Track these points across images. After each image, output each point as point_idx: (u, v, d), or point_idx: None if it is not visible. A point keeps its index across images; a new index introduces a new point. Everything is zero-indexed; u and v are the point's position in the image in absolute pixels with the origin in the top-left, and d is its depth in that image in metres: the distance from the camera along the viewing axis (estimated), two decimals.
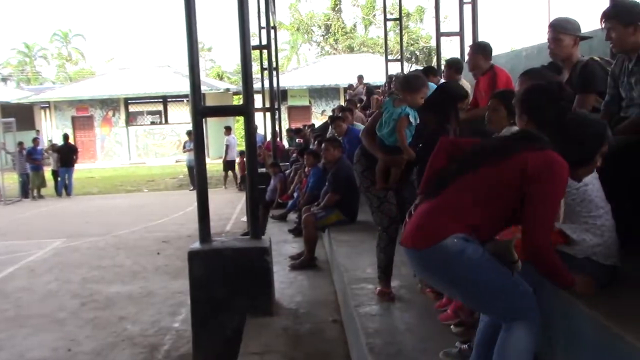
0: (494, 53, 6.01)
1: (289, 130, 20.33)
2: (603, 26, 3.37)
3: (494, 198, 2.41)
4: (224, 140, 20.16)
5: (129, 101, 32.11)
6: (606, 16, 3.34)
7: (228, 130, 20.21)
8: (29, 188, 19.65)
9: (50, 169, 20.32)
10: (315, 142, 9.97)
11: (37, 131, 21.15)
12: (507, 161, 2.40)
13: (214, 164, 23.20)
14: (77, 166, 21.09)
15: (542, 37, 4.27)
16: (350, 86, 17.70)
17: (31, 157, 19.44)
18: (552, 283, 2.49)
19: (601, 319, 2.33)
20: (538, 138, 2.44)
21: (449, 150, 2.76)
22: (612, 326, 2.25)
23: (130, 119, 32.54)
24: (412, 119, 4.09)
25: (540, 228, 2.35)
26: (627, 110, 3.41)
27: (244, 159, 13.74)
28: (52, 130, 32.07)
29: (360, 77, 17.48)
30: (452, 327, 3.49)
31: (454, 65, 7.11)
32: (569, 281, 2.43)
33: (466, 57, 7.05)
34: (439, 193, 2.48)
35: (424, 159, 3.29)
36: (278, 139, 16.14)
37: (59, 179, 19.98)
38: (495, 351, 2.43)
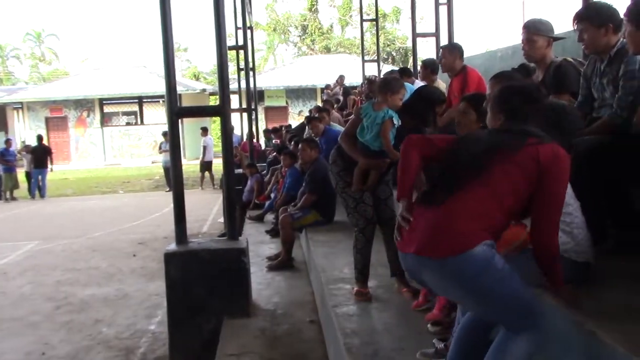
0: (469, 54, 6.08)
1: (265, 131, 20.28)
2: (575, 27, 3.41)
3: (512, 195, 2.31)
4: (201, 141, 20.05)
5: (104, 102, 31.79)
6: (578, 18, 3.38)
7: (205, 131, 20.11)
8: (1, 190, 19.35)
9: (23, 171, 20.02)
10: (292, 143, 9.96)
11: (8, 140, 20.71)
12: (522, 155, 2.31)
13: (190, 165, 23.08)
14: (52, 167, 20.80)
15: (516, 38, 4.32)
16: (328, 86, 17.70)
17: (4, 159, 19.12)
18: (546, 279, 2.43)
19: (574, 315, 2.36)
20: (536, 132, 2.40)
21: (421, 148, 2.58)
22: (585, 323, 2.28)
23: (105, 119, 32.22)
24: (395, 122, 4.10)
25: (553, 220, 2.33)
26: (599, 110, 3.46)
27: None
28: (25, 131, 31.62)
29: (342, 77, 17.47)
30: (429, 326, 3.51)
31: (430, 66, 7.17)
32: (560, 281, 2.41)
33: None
34: (448, 197, 2.32)
35: None
36: (255, 140, 16.10)
37: (32, 180, 19.70)
38: (492, 352, 2.35)
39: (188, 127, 26.11)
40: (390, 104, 4.11)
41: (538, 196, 2.30)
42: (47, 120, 31.64)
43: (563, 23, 4.77)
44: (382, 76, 9.52)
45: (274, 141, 16.20)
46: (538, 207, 2.32)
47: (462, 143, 2.51)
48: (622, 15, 3.27)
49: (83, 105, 31.63)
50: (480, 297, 2.28)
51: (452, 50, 6.05)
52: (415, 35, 10.96)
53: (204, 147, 19.69)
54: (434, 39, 10.37)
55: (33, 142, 21.22)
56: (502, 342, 2.32)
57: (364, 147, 4.22)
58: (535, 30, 3.97)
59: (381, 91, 4.18)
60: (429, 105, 4.20)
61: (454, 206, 2.29)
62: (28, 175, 19.87)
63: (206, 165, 19.94)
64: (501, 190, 2.29)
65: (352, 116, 4.46)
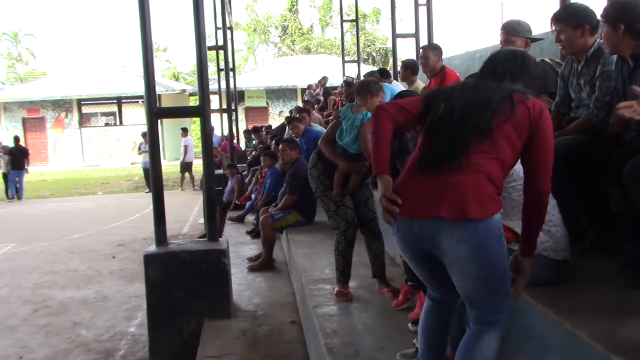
0: (449, 55, 6.14)
1: (246, 132, 20.24)
2: (553, 28, 3.45)
3: (512, 156, 2.33)
4: (181, 142, 19.95)
5: (82, 102, 31.47)
6: (556, 19, 3.42)
7: (185, 131, 20.02)
8: None
9: (0, 172, 19.75)
10: (273, 142, 9.95)
11: None
12: (517, 112, 2.30)
13: (170, 166, 22.93)
14: (28, 169, 20.54)
15: (495, 39, 4.36)
16: (310, 86, 17.71)
17: None
18: (524, 240, 2.42)
19: (552, 314, 2.38)
20: (520, 88, 2.39)
21: (393, 115, 2.46)
22: (564, 322, 2.30)
23: (84, 120, 31.90)
24: None
25: (549, 173, 2.32)
26: (576, 110, 3.50)
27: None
28: (1, 132, 31.17)
29: (325, 79, 17.46)
30: (409, 325, 3.53)
31: (410, 67, 7.21)
32: (534, 246, 2.42)
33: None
34: (462, 160, 2.29)
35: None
36: (235, 141, 16.06)
37: (10, 182, 19.43)
38: (461, 353, 2.37)
39: (168, 127, 25.95)
40: (369, 106, 4.11)
41: (532, 150, 2.32)
42: (24, 121, 31.24)
43: (541, 24, 4.83)
44: (362, 77, 9.53)
45: (254, 142, 16.18)
46: (533, 160, 2.33)
47: (456, 103, 2.40)
48: (598, 17, 3.31)
49: (61, 105, 31.28)
50: (487, 265, 2.26)
51: (436, 51, 6.11)
52: (395, 36, 11.01)
53: (185, 147, 19.59)
54: (413, 39, 10.44)
55: (10, 143, 20.94)
56: (473, 342, 2.35)
57: (343, 151, 4.23)
58: (513, 31, 4.01)
59: (360, 94, 4.19)
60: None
61: (474, 168, 2.27)
62: (5, 176, 19.60)
63: (186, 166, 19.83)
64: (504, 152, 2.30)
65: (333, 119, 4.48)
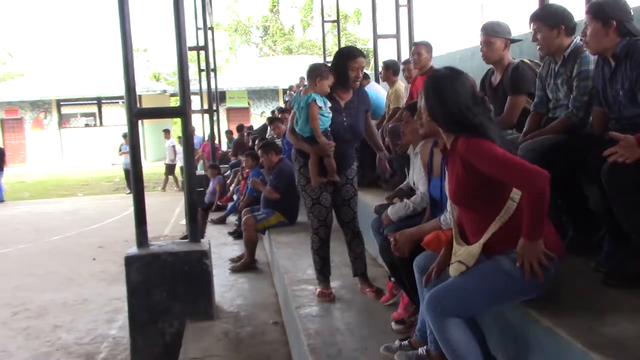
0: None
1: (227, 132, 20.19)
2: (530, 27, 3.49)
3: None
4: (166, 144, 19.94)
5: (62, 103, 31.11)
6: (533, 17, 3.47)
7: (167, 133, 20.00)
8: None
9: None
10: (255, 143, 9.92)
11: None
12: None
13: (151, 167, 22.80)
14: (6, 170, 20.28)
15: (475, 40, 4.39)
16: (291, 87, 17.71)
17: None
18: (534, 230, 2.36)
19: (532, 313, 2.41)
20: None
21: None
22: (543, 320, 2.33)
23: (63, 121, 31.55)
24: (320, 104, 4.12)
25: (528, 175, 2.32)
26: (554, 111, 3.54)
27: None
28: None
29: (302, 79, 17.46)
30: (392, 324, 3.54)
31: (391, 67, 7.24)
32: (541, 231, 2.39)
33: (403, 57, 7.18)
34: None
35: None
36: (216, 142, 16.01)
37: None
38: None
39: (149, 128, 25.78)
40: (319, 89, 4.14)
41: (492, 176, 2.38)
42: (2, 121, 30.81)
43: (521, 25, 4.87)
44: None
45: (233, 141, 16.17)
46: (503, 180, 2.40)
47: None
48: (577, 18, 3.35)
49: (40, 106, 30.90)
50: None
51: (428, 48, 6.14)
52: (376, 36, 11.06)
53: (173, 148, 19.53)
54: (394, 40, 10.48)
55: None
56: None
57: (301, 137, 4.24)
58: (493, 32, 4.04)
59: (309, 77, 4.21)
60: (342, 61, 4.22)
61: None
62: None
63: (171, 168, 19.77)
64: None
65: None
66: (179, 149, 19.38)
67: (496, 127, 2.52)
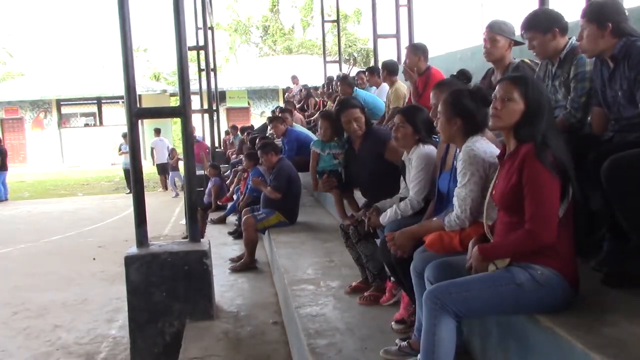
0: (430, 55, 6.11)
1: (227, 132, 20.19)
2: (524, 37, 3.50)
3: None
4: (152, 143, 20.02)
5: (62, 102, 31.10)
6: (525, 27, 3.47)
7: (157, 132, 20.07)
8: None
9: None
10: (255, 142, 9.91)
11: None
12: None
13: (151, 167, 22.78)
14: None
15: (475, 40, 4.39)
16: (289, 88, 17.76)
17: None
18: (496, 253, 2.50)
19: (533, 313, 2.41)
20: None
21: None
22: (543, 320, 2.33)
23: (63, 121, 31.54)
24: (318, 150, 4.42)
25: (543, 224, 2.41)
26: (553, 111, 3.54)
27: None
28: None
29: (293, 78, 17.49)
30: (392, 324, 3.54)
31: (389, 67, 7.22)
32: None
33: (402, 59, 7.17)
34: None
35: None
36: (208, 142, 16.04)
37: None
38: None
39: (149, 128, 25.73)
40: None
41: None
42: (2, 121, 30.81)
43: (519, 28, 4.86)
44: (344, 74, 9.50)
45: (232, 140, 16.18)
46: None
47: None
48: (574, 18, 3.35)
49: (40, 106, 30.89)
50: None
51: (416, 51, 6.00)
52: (376, 36, 11.07)
53: (152, 149, 19.53)
54: (394, 40, 10.49)
55: None
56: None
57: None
58: (499, 30, 4.04)
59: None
60: (337, 113, 4.62)
61: None
62: None
63: (162, 168, 19.75)
64: None
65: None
66: (158, 148, 19.44)
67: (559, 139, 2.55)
